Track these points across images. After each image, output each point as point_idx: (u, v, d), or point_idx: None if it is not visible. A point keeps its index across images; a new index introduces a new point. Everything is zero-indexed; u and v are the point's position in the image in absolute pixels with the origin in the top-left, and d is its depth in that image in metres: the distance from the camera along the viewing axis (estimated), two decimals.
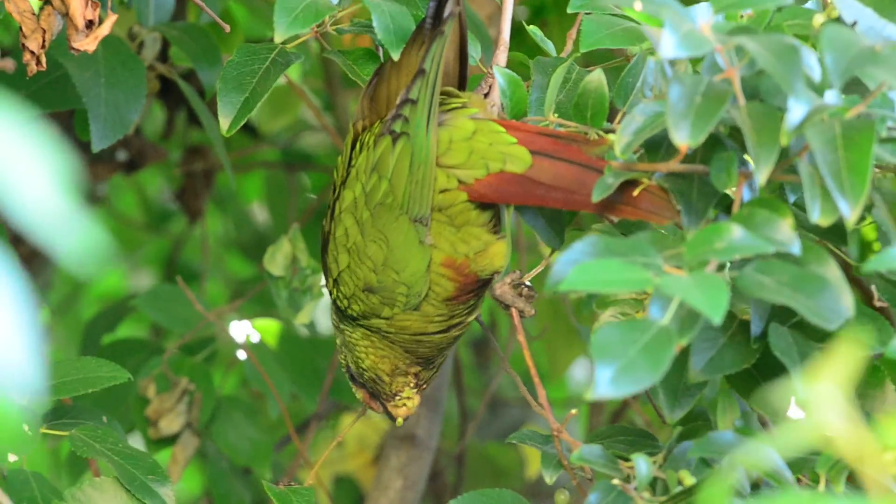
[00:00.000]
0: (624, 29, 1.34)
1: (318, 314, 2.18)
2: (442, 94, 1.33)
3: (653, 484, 1.22)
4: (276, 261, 1.80)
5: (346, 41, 1.94)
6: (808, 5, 1.31)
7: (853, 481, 1.22)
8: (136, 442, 1.74)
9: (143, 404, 1.85)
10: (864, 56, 1.14)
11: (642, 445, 1.30)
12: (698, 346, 1.21)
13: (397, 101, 1.30)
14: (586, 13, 1.37)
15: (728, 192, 1.22)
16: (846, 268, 1.24)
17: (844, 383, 0.87)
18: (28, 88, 1.67)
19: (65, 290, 2.45)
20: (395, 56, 1.34)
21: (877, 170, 1.22)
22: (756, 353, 1.21)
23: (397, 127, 1.30)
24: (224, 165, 1.82)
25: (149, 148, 2.10)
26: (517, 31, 1.48)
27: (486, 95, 1.39)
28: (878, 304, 1.34)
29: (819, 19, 1.25)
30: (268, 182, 2.41)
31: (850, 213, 1.12)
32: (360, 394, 1.42)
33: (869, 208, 1.23)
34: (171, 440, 1.87)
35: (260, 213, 2.52)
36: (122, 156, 2.10)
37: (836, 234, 1.27)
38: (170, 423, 1.85)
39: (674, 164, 1.22)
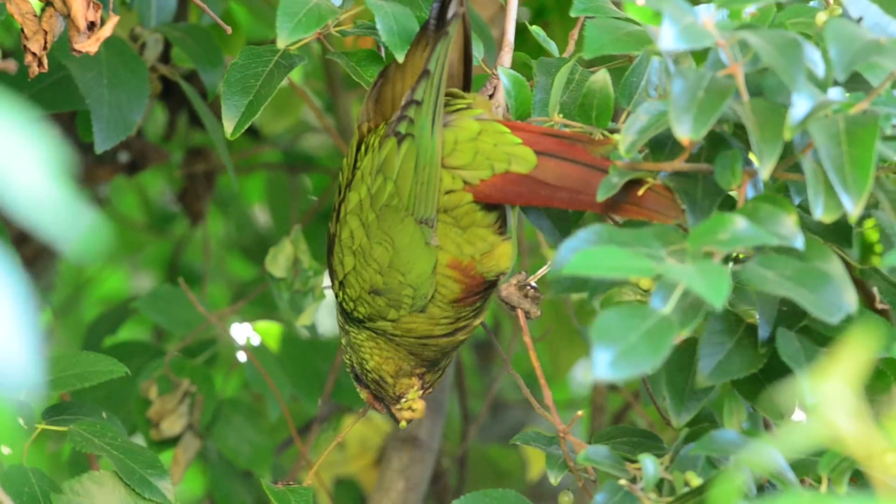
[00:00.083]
0: (628, 33, 1.34)
1: (320, 316, 2.18)
2: (447, 95, 1.32)
3: (659, 485, 1.22)
4: (278, 262, 1.80)
5: (349, 43, 1.93)
6: (811, 4, 1.31)
7: (857, 482, 1.22)
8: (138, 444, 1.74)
9: (145, 406, 1.86)
10: (869, 48, 1.14)
11: (647, 446, 1.30)
12: (706, 351, 1.21)
13: (402, 103, 1.30)
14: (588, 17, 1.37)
15: (732, 194, 1.22)
16: (848, 270, 1.24)
17: (852, 384, 0.87)
18: (30, 90, 1.67)
19: (67, 291, 2.46)
20: (400, 58, 1.34)
21: (881, 168, 1.22)
22: (764, 358, 1.21)
23: (402, 128, 1.30)
24: (226, 167, 1.82)
25: (150, 149, 2.10)
26: (519, 31, 1.48)
27: (490, 96, 1.39)
28: (879, 306, 1.34)
29: (822, 17, 1.26)
30: (269, 184, 2.41)
31: (852, 207, 1.12)
32: (363, 394, 1.42)
33: (873, 207, 1.23)
34: (172, 442, 1.87)
35: (261, 214, 2.52)
36: (123, 157, 2.10)
37: (839, 234, 1.27)
38: (171, 425, 1.85)
39: (678, 164, 1.22)
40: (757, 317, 1.21)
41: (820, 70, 1.16)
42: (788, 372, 1.22)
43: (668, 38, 1.15)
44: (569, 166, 1.29)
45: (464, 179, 1.31)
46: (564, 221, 1.37)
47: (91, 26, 1.42)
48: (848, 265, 1.28)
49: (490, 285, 1.34)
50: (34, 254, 2.14)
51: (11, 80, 1.64)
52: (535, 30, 1.43)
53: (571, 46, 1.47)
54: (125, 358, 1.78)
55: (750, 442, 1.21)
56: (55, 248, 2.15)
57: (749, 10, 1.24)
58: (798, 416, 1.27)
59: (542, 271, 1.36)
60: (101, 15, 1.42)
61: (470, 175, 1.31)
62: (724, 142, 1.22)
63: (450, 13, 1.30)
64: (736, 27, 1.18)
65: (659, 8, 1.16)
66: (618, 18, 1.35)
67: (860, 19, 1.21)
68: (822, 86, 1.17)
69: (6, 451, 1.40)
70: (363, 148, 1.34)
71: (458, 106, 1.33)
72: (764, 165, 1.14)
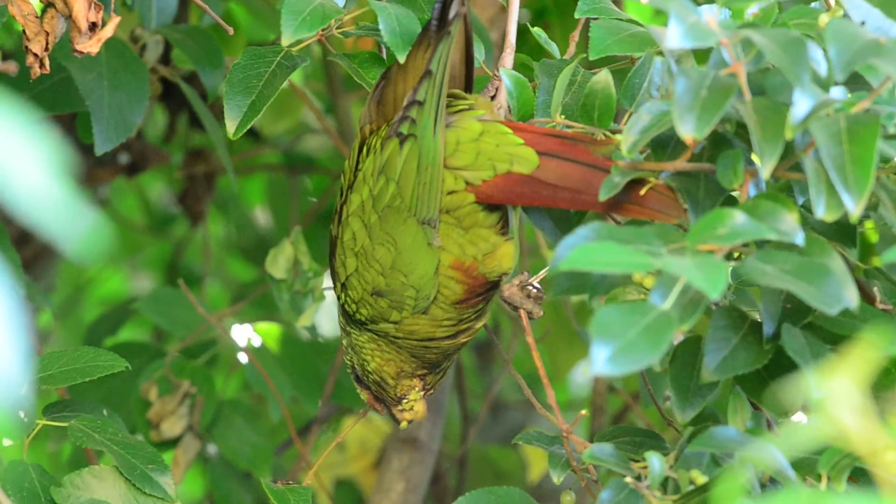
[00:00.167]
0: (631, 34, 1.34)
1: (320, 317, 2.18)
2: (449, 96, 1.32)
3: (664, 483, 1.22)
4: (278, 264, 1.80)
5: (349, 44, 1.94)
6: (813, 6, 1.31)
7: (858, 481, 1.22)
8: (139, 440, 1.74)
9: (145, 407, 1.86)
10: (869, 49, 1.15)
11: (649, 445, 1.30)
12: (711, 346, 1.21)
13: (404, 103, 1.30)
14: (592, 18, 1.37)
15: (735, 193, 1.23)
16: (850, 270, 1.24)
17: (859, 381, 0.87)
18: (31, 91, 1.67)
19: (67, 292, 2.46)
20: (401, 59, 1.34)
21: (882, 167, 1.22)
22: (768, 354, 1.21)
23: (405, 129, 1.30)
24: (226, 168, 1.82)
25: (150, 151, 2.10)
26: (519, 33, 1.48)
27: (492, 98, 1.39)
28: (881, 306, 1.34)
29: (824, 19, 1.26)
30: (269, 185, 2.41)
31: (853, 206, 1.13)
32: (364, 394, 1.42)
33: (874, 207, 1.23)
34: (172, 443, 1.87)
35: (262, 216, 2.52)
36: (123, 159, 2.10)
37: (843, 234, 1.27)
38: (171, 426, 1.85)
39: (680, 163, 1.22)
40: (761, 313, 1.22)
41: (822, 69, 1.16)
42: (792, 369, 1.23)
43: (674, 36, 1.15)
44: (571, 166, 1.29)
45: (466, 180, 1.31)
46: (566, 222, 1.37)
47: (92, 27, 1.42)
48: (850, 265, 1.28)
49: (492, 286, 1.34)
50: (35, 254, 2.14)
51: (12, 82, 1.64)
52: (537, 31, 1.43)
53: (572, 48, 1.47)
54: (125, 359, 1.79)
55: (751, 439, 1.21)
56: (56, 249, 2.15)
57: (751, 11, 1.24)
58: (799, 417, 1.27)
59: (544, 272, 1.36)
60: (103, 16, 1.42)
61: (472, 176, 1.31)
62: (725, 141, 1.22)
63: (451, 13, 1.30)
64: (739, 26, 1.18)
65: (664, 6, 1.16)
66: (620, 20, 1.35)
67: (863, 23, 1.21)
68: (824, 85, 1.18)
69: (7, 442, 1.40)
70: (365, 149, 1.34)
71: (460, 107, 1.33)
72: (765, 164, 1.15)
